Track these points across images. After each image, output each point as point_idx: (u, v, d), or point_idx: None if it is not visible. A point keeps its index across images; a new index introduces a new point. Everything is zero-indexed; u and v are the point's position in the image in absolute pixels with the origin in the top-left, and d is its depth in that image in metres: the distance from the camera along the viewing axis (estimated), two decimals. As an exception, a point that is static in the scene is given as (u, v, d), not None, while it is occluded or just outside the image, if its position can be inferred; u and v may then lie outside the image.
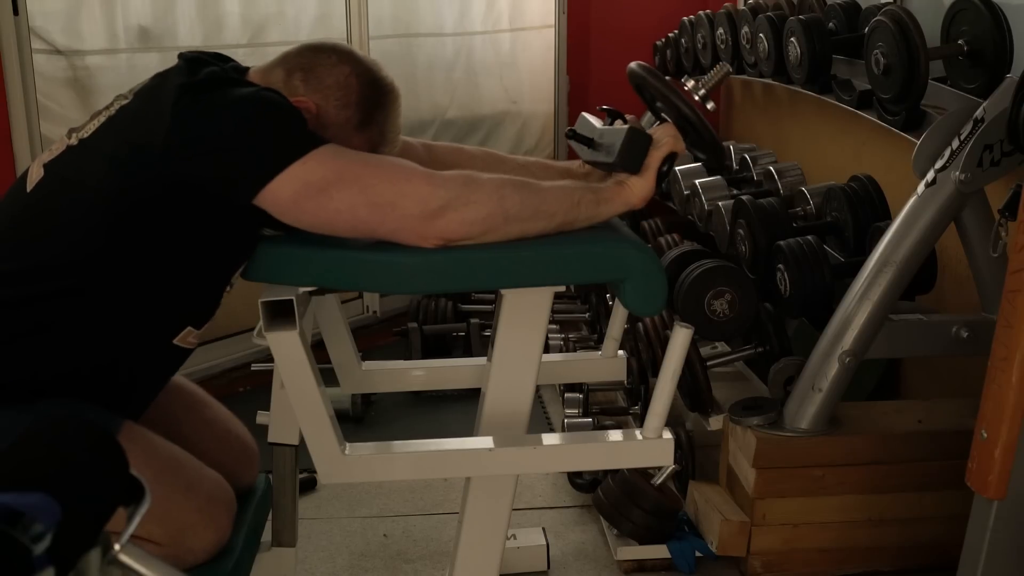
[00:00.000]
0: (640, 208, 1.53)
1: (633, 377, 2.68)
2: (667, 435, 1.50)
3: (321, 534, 2.47)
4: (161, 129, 1.37)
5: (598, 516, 2.43)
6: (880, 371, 2.79)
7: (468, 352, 3.44)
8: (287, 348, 1.42)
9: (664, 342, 2.10)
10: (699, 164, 3.48)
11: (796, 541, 2.23)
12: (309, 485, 2.64)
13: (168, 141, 1.37)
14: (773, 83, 3.17)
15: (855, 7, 2.93)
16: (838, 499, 2.22)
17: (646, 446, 1.51)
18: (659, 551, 2.29)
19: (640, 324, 2.74)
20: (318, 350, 1.56)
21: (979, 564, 1.62)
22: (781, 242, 2.49)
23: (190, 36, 3.20)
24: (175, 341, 1.52)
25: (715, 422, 2.43)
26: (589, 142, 1.61)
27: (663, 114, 1.57)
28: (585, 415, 2.78)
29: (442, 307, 3.66)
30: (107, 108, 1.50)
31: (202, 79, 1.42)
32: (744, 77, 3.50)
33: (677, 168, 3.42)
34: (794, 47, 2.83)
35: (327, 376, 1.53)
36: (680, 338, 1.45)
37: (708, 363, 2.53)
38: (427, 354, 3.40)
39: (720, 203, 2.97)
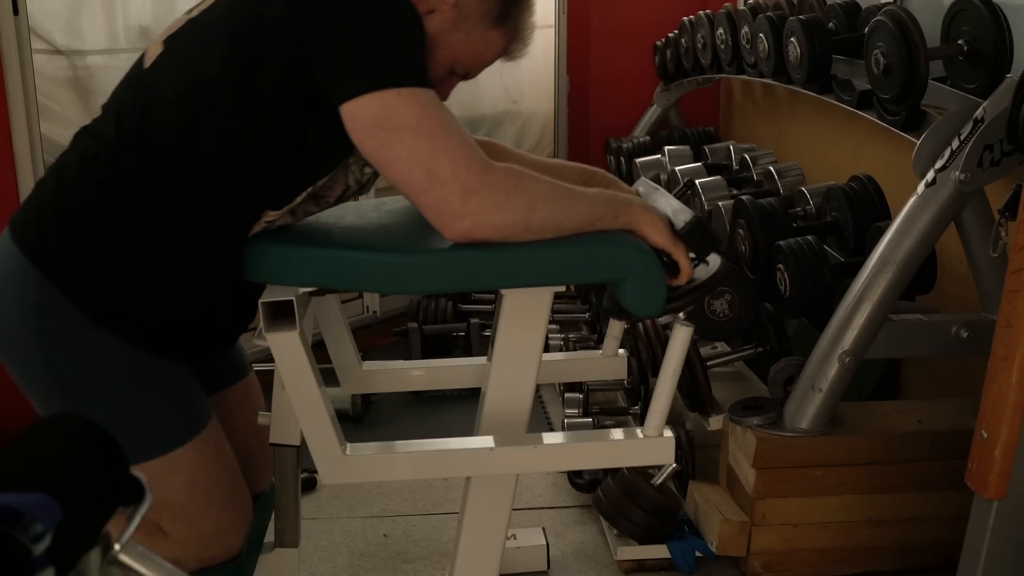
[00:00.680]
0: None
1: (633, 377, 2.68)
2: (668, 433, 1.50)
3: (321, 534, 2.47)
4: (286, 3, 1.35)
5: (598, 516, 2.44)
6: (880, 371, 2.79)
7: (468, 352, 3.44)
8: (287, 348, 1.42)
9: (664, 342, 2.10)
10: (699, 164, 3.49)
11: (796, 541, 2.23)
12: (309, 485, 2.64)
13: (290, 14, 1.34)
14: (773, 83, 3.17)
15: (855, 7, 2.93)
16: (838, 499, 2.22)
17: (647, 445, 1.51)
18: (659, 551, 2.29)
19: (640, 324, 2.74)
20: (318, 350, 1.56)
21: (979, 564, 1.62)
22: (781, 242, 2.49)
23: (190, 36, 3.20)
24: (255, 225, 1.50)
25: (715, 422, 2.43)
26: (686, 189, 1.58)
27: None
28: (585, 415, 2.78)
29: (442, 307, 3.66)
30: None
31: None
32: (744, 77, 3.50)
33: (678, 168, 3.43)
34: (794, 47, 2.83)
35: (327, 376, 1.52)
36: (680, 336, 1.45)
37: (708, 363, 2.53)
38: (427, 354, 3.40)
39: (720, 203, 2.97)
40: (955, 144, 2.10)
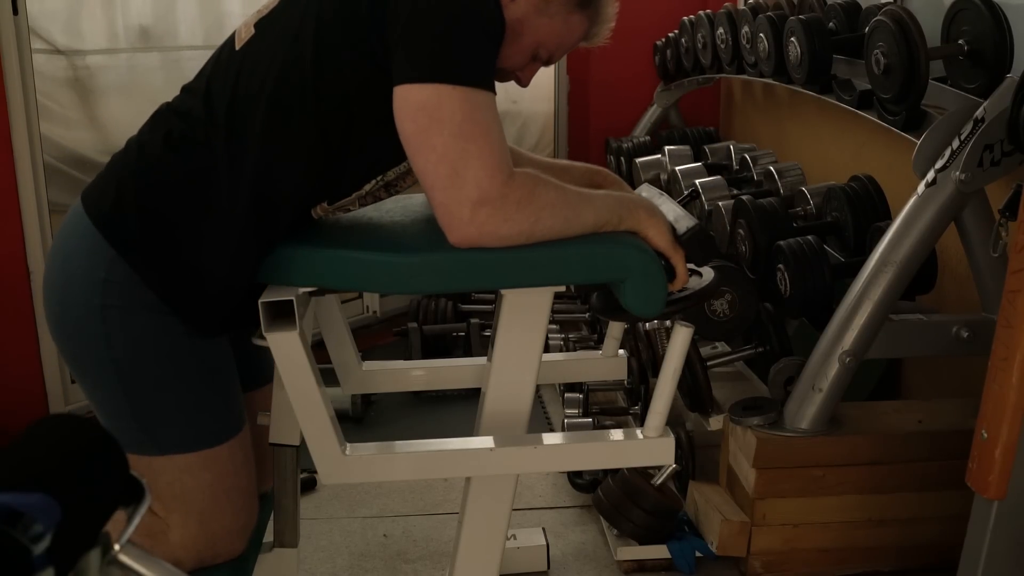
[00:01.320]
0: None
1: (633, 377, 2.68)
2: (668, 434, 1.50)
3: (321, 534, 2.47)
4: None
5: (598, 516, 2.44)
6: (880, 371, 2.79)
7: (468, 352, 3.44)
8: (287, 348, 1.42)
9: (664, 342, 2.10)
10: (699, 164, 3.49)
11: (796, 541, 2.23)
12: (309, 485, 2.64)
13: (375, 6, 1.35)
14: (773, 83, 3.17)
15: (855, 7, 2.93)
16: (838, 499, 2.22)
17: (647, 445, 1.51)
18: (659, 551, 2.29)
19: (640, 324, 2.74)
20: (318, 350, 1.56)
21: (979, 564, 1.62)
22: (781, 242, 2.49)
23: (191, 36, 3.20)
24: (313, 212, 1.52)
25: (715, 422, 2.43)
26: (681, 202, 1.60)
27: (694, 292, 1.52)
28: (585, 415, 2.78)
29: (442, 307, 3.66)
30: None
31: None
32: (744, 77, 3.50)
33: (678, 168, 3.42)
34: (794, 47, 2.83)
35: (327, 376, 1.53)
36: (681, 337, 1.45)
37: (708, 363, 2.53)
38: (427, 354, 3.40)
39: (720, 203, 2.97)
40: (955, 144, 2.10)
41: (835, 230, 2.66)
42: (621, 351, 1.92)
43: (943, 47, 2.32)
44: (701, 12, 3.85)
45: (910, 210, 2.17)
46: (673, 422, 2.41)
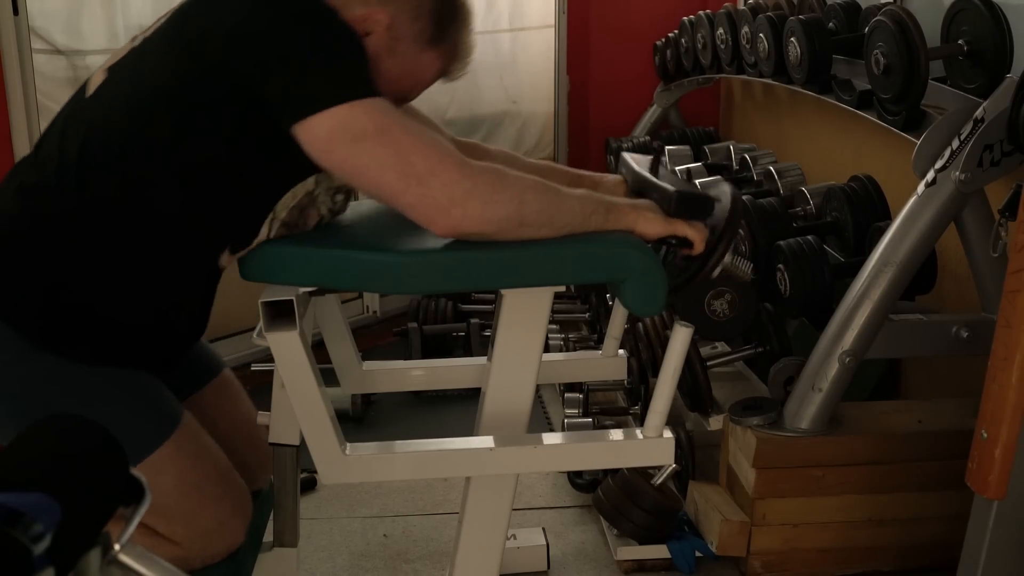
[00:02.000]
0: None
1: (633, 377, 2.68)
2: (667, 434, 1.50)
3: (321, 534, 2.47)
4: (231, 19, 1.35)
5: (598, 516, 2.43)
6: (880, 371, 2.79)
7: (468, 352, 3.44)
8: (287, 348, 1.42)
9: (664, 342, 2.09)
10: (699, 164, 3.49)
11: (796, 541, 2.23)
12: (309, 485, 2.64)
13: (234, 32, 1.35)
14: (773, 83, 3.17)
15: (855, 7, 2.93)
16: (838, 499, 2.22)
17: (647, 445, 1.51)
18: (659, 551, 2.29)
19: (640, 324, 2.74)
20: (318, 350, 1.56)
21: (979, 564, 1.62)
22: (781, 242, 2.49)
23: (190, 36, 3.20)
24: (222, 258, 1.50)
25: (715, 422, 2.43)
26: (656, 165, 1.59)
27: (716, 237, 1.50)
28: (585, 415, 2.78)
29: (442, 307, 3.66)
30: (171, 11, 1.47)
31: None
32: (744, 77, 3.50)
33: (677, 168, 3.43)
34: (794, 47, 2.83)
35: (327, 376, 1.52)
36: (680, 337, 1.45)
37: (708, 363, 2.53)
38: (427, 354, 3.40)
39: (720, 203, 2.96)
40: (955, 144, 2.10)
41: (835, 230, 2.66)
42: (621, 351, 1.92)
43: (943, 47, 2.32)
44: (701, 12, 3.85)
45: (910, 210, 2.17)
46: (673, 422, 2.41)
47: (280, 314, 1.41)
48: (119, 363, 1.48)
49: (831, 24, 2.89)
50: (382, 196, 1.38)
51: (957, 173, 2.08)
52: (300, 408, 1.45)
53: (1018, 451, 1.55)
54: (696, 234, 1.43)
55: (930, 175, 2.15)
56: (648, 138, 4.33)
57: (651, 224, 1.43)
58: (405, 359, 2.86)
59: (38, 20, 2.82)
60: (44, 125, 2.81)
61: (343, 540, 2.45)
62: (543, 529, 2.38)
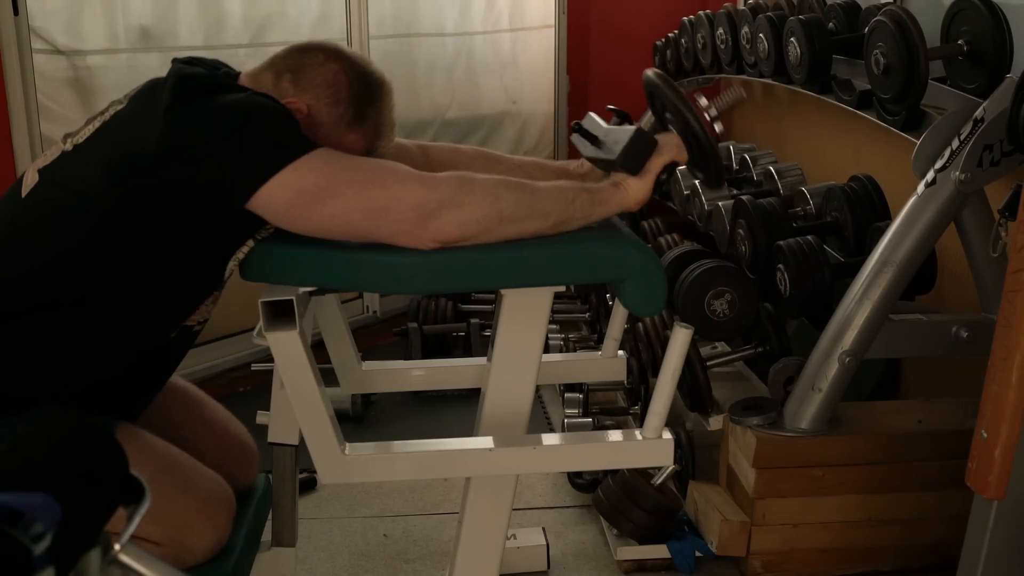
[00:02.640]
0: (635, 211, 1.53)
1: (633, 377, 2.68)
2: (667, 435, 1.50)
3: (321, 534, 2.47)
4: (154, 134, 1.37)
5: (598, 516, 2.44)
6: (880, 371, 2.79)
7: (468, 352, 3.44)
8: (287, 348, 1.42)
9: (664, 342, 2.10)
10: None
11: (796, 541, 2.23)
12: (309, 485, 2.64)
13: (161, 146, 1.37)
14: (773, 83, 3.17)
15: (855, 7, 2.93)
16: (838, 499, 2.22)
17: (646, 446, 1.51)
18: (659, 551, 2.29)
19: (640, 324, 2.74)
20: (318, 350, 1.56)
21: (979, 564, 1.62)
22: (781, 242, 2.49)
23: (191, 36, 3.20)
24: (173, 333, 1.52)
25: (715, 422, 2.43)
26: (593, 138, 1.61)
27: (671, 125, 1.57)
28: (585, 415, 2.78)
29: (442, 307, 3.66)
30: (102, 113, 1.49)
31: (194, 85, 1.41)
32: (744, 77, 3.50)
33: (677, 169, 3.42)
34: (794, 47, 2.83)
35: (327, 376, 1.53)
36: (680, 338, 1.45)
37: (708, 363, 2.53)
38: (427, 354, 3.40)
39: (720, 203, 2.97)
40: (955, 144, 2.10)
41: (835, 230, 2.66)
42: (621, 351, 1.92)
43: (943, 47, 2.32)
44: (701, 12, 3.84)
45: (910, 210, 2.17)
46: (673, 422, 2.41)
47: (280, 314, 1.41)
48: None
49: (831, 24, 2.89)
50: (360, 237, 1.40)
51: (957, 173, 2.08)
52: (300, 408, 1.45)
53: (1018, 451, 1.55)
54: (668, 153, 1.49)
55: (930, 175, 2.15)
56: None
57: (633, 189, 1.48)
58: (405, 359, 2.86)
59: (38, 20, 2.82)
60: (44, 125, 2.83)
61: (343, 540, 2.45)
62: (543, 529, 2.38)
